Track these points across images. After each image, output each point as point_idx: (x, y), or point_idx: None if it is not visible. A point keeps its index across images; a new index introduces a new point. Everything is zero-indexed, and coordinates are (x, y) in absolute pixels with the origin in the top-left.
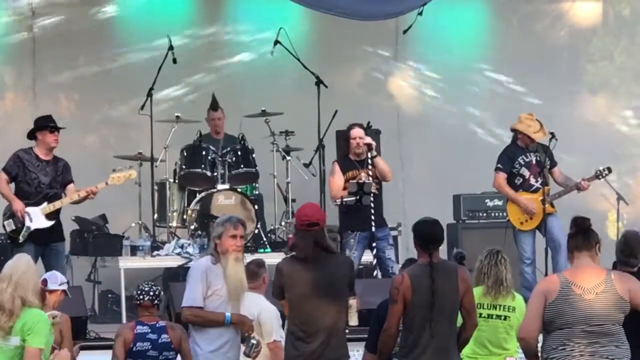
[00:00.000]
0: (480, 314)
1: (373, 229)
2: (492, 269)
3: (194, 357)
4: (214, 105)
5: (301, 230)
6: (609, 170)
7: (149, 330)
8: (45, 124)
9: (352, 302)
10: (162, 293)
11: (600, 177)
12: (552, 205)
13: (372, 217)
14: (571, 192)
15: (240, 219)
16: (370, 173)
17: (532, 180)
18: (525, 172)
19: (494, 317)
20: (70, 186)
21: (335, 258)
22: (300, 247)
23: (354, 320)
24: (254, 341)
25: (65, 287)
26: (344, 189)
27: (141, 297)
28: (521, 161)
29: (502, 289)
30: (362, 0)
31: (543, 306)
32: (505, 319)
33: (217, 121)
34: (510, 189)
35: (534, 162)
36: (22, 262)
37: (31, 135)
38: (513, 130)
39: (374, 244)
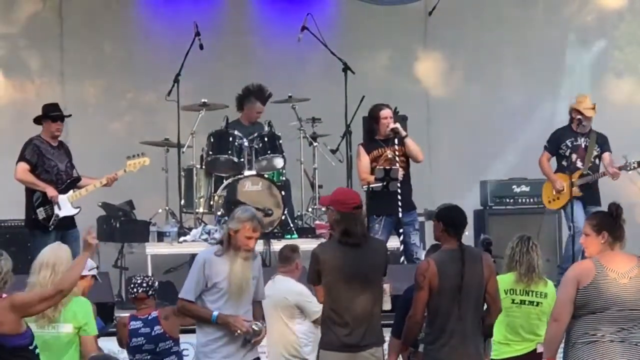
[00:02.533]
0: (513, 300)
1: (400, 214)
2: (524, 256)
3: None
4: (263, 99)
5: (348, 213)
6: (639, 164)
7: (142, 325)
8: (47, 113)
9: (386, 286)
10: (155, 282)
11: (629, 169)
12: (581, 190)
13: (399, 202)
14: (600, 178)
15: (260, 220)
16: (397, 151)
17: (579, 164)
18: (573, 155)
19: (527, 303)
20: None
21: (371, 243)
22: (355, 231)
23: (387, 305)
24: (255, 328)
25: (95, 272)
26: (372, 170)
27: (135, 290)
28: (568, 144)
29: (534, 276)
30: None
31: (576, 291)
32: (537, 305)
33: (258, 114)
34: (547, 166)
35: (582, 146)
36: (63, 252)
37: (38, 121)
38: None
39: (400, 230)
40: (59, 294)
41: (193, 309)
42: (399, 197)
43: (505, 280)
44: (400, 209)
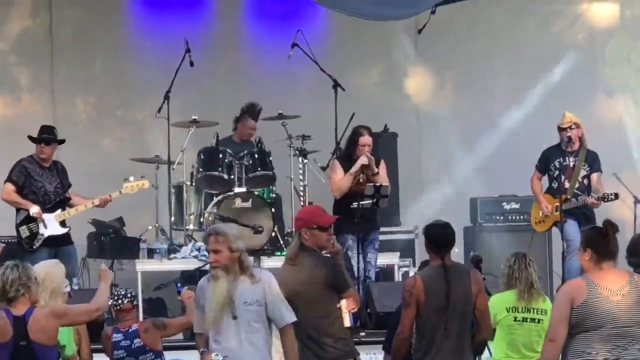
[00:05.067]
0: (515, 318)
1: (363, 233)
2: (523, 273)
3: None
4: (254, 115)
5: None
6: (616, 196)
7: (122, 337)
8: (36, 136)
9: (342, 302)
10: (137, 295)
11: (606, 200)
12: (565, 215)
13: (362, 221)
14: (582, 204)
15: (217, 230)
16: (369, 177)
17: (567, 185)
18: (562, 177)
19: (528, 320)
20: (71, 190)
21: (313, 260)
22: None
23: (346, 321)
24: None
25: (68, 289)
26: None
27: (119, 301)
28: (557, 164)
29: (533, 292)
30: (376, 3)
31: (569, 309)
32: (538, 322)
33: (251, 130)
34: (537, 186)
35: (570, 165)
36: (57, 269)
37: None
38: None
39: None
40: (98, 310)
41: (197, 342)
42: (363, 217)
43: (506, 299)
44: (364, 228)
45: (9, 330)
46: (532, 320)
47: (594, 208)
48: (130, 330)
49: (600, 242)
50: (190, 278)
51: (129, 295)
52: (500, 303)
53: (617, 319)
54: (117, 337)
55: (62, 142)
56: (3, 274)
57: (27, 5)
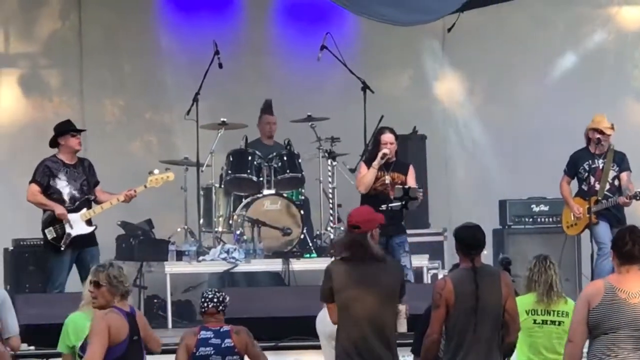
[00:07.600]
0: (535, 320)
1: (391, 236)
2: (542, 276)
3: None
4: (269, 110)
5: (347, 230)
6: None
7: (212, 335)
8: (66, 129)
9: (401, 307)
10: (227, 298)
11: (638, 198)
12: (597, 217)
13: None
14: (614, 205)
15: None
16: (395, 178)
17: (597, 187)
18: (591, 179)
19: (548, 322)
20: (99, 187)
21: (386, 264)
22: (342, 246)
23: (403, 327)
24: None
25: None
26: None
27: (205, 304)
28: (586, 167)
29: (553, 294)
30: (403, 10)
31: (587, 311)
32: (559, 324)
33: (273, 125)
34: (566, 191)
35: (600, 167)
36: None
37: (53, 143)
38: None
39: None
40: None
41: None
42: (391, 219)
43: (526, 301)
44: (390, 231)
45: (126, 327)
46: (552, 322)
47: (625, 207)
48: (221, 330)
49: (620, 245)
50: (218, 281)
51: (215, 299)
52: (520, 306)
53: (635, 322)
54: (205, 334)
55: (84, 130)
56: (114, 269)
57: (57, 8)
